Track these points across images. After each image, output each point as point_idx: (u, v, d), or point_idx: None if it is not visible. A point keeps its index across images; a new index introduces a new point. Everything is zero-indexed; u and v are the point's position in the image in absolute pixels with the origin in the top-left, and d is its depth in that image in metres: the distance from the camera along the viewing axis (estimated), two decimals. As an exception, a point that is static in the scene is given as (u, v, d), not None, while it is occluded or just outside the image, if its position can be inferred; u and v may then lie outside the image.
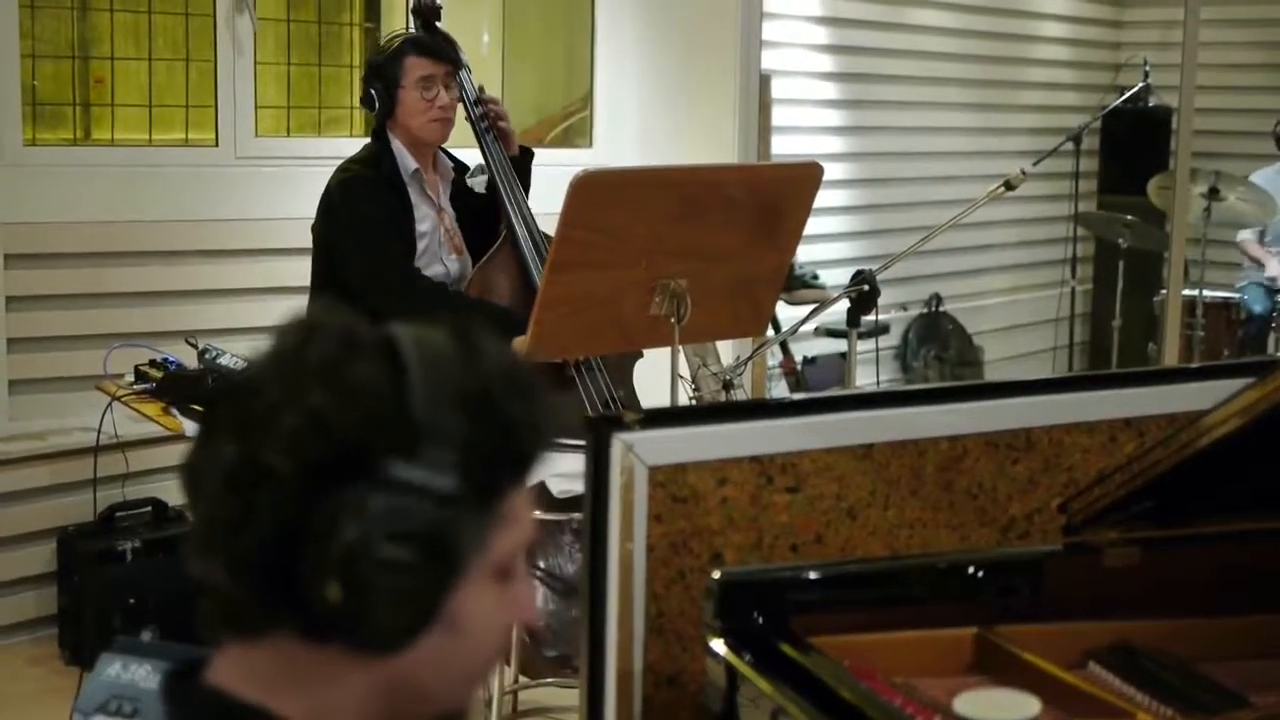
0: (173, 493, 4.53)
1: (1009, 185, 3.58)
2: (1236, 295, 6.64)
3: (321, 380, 1.07)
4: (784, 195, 3.17)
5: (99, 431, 3.95)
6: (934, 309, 7.36)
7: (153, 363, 3.76)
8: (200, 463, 1.11)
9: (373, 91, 3.76)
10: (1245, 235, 7.01)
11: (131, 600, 4.23)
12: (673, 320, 2.95)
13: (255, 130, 4.92)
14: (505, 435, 1.12)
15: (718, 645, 1.83)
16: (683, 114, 5.80)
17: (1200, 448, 1.78)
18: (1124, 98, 7.22)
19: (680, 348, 3.10)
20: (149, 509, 4.45)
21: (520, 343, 3.06)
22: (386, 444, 1.07)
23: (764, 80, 5.85)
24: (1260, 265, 6.93)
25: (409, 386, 1.08)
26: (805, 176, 3.25)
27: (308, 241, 3.87)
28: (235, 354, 3.63)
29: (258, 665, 1.12)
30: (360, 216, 3.68)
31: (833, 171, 6.66)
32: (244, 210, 4.82)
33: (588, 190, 2.97)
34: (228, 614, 1.12)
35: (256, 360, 1.12)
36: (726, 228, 3.08)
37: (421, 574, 1.07)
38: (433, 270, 3.77)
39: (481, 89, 3.95)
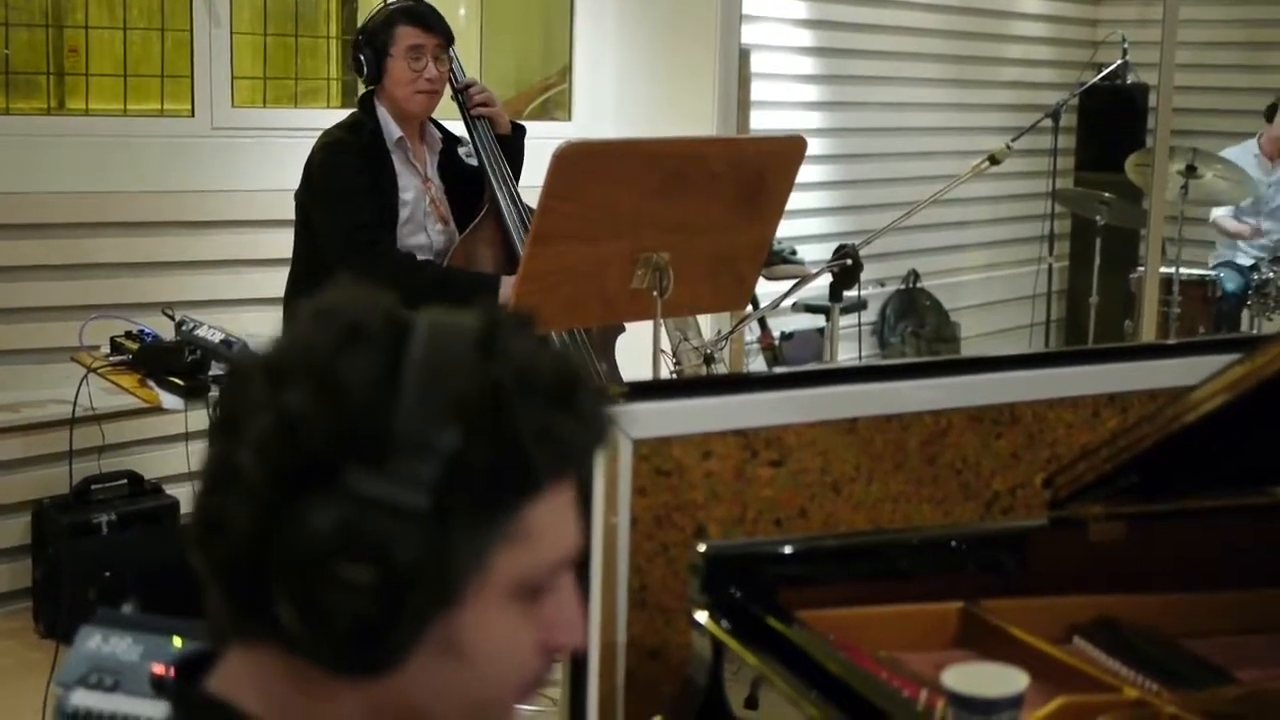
0: (149, 465, 4.51)
1: (993, 159, 3.58)
2: (1212, 273, 6.66)
3: (306, 375, 1.00)
4: (767, 169, 3.16)
5: (74, 404, 3.93)
6: (911, 285, 7.37)
7: (129, 334, 3.73)
8: (205, 454, 1.06)
9: (362, 57, 3.73)
10: (1220, 213, 7.04)
11: (107, 573, 4.21)
12: (655, 293, 2.94)
13: (231, 101, 4.88)
14: (509, 447, 1.01)
15: (703, 618, 1.82)
16: (661, 88, 5.78)
17: (1186, 423, 1.78)
18: (1102, 75, 7.21)
19: (662, 321, 3.09)
20: (125, 482, 4.43)
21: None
22: (355, 452, 0.98)
23: (743, 54, 5.83)
24: (1235, 241, 6.97)
25: (400, 389, 0.99)
26: (789, 150, 3.24)
27: (285, 213, 3.85)
28: (212, 325, 3.60)
29: (257, 675, 1.05)
30: (337, 182, 3.65)
31: (811, 147, 6.65)
32: (220, 181, 4.79)
33: (571, 161, 2.95)
34: (216, 618, 1.06)
35: (272, 342, 1.06)
36: (710, 201, 3.07)
37: (386, 595, 0.98)
38: (416, 240, 3.75)
39: (471, 82, 3.92)
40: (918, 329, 7.28)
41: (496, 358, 1.02)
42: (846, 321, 6.60)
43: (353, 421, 0.98)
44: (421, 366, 1.00)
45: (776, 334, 6.14)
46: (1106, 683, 1.64)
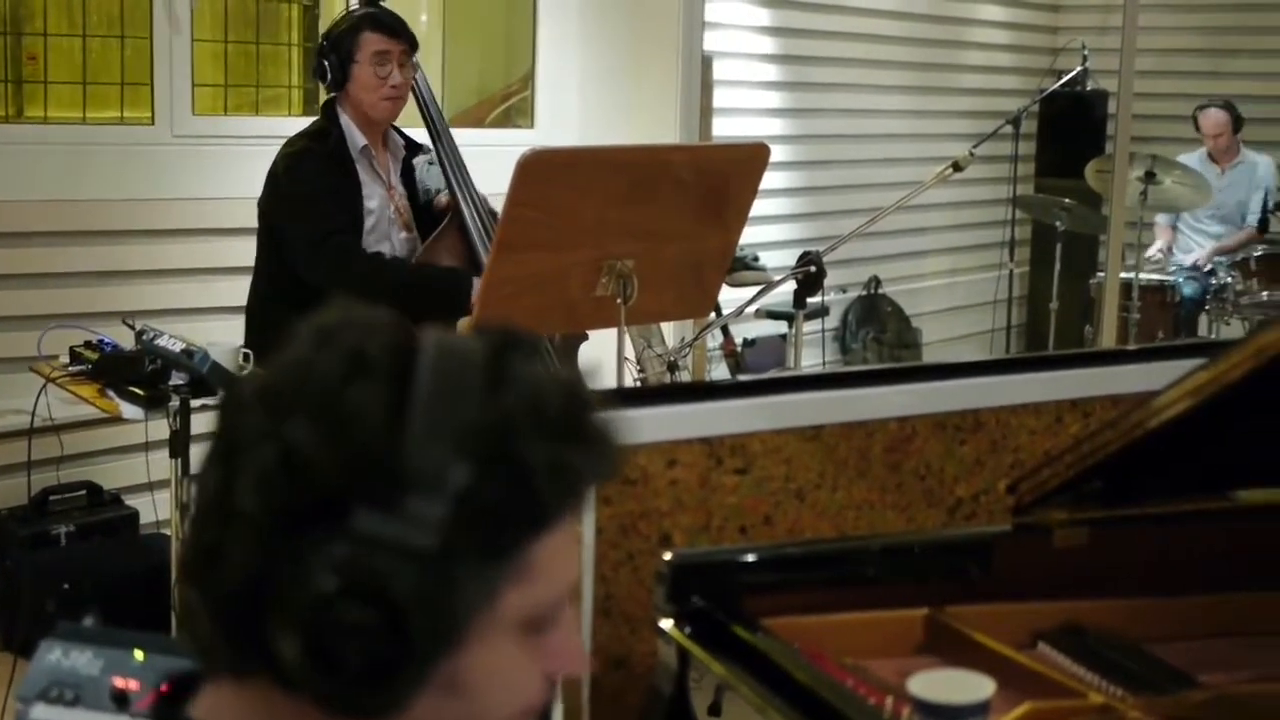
0: (107, 476, 4.47)
1: (957, 166, 3.60)
2: (1171, 278, 6.72)
3: (310, 407, 0.96)
4: (731, 176, 3.17)
5: (33, 414, 3.89)
6: (873, 291, 7.39)
7: (88, 344, 3.70)
8: (198, 481, 1.02)
9: (325, 64, 3.71)
10: (1161, 219, 7.14)
11: (65, 585, 4.16)
12: (619, 301, 2.94)
13: (192, 109, 4.85)
14: (520, 484, 0.97)
15: (668, 627, 1.82)
16: (624, 95, 5.78)
17: (1150, 428, 1.78)
18: (1062, 82, 7.26)
19: (626, 329, 3.09)
20: (83, 492, 4.39)
21: (465, 323, 3.04)
22: (363, 491, 0.94)
23: (706, 62, 5.84)
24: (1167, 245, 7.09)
25: (408, 423, 0.95)
26: (752, 157, 3.25)
27: (246, 221, 3.83)
28: (173, 335, 3.58)
29: (249, 708, 1.02)
30: (304, 190, 3.64)
31: (773, 153, 6.67)
32: (181, 189, 4.76)
33: (535, 169, 2.94)
34: (205, 650, 1.03)
35: (270, 368, 1.02)
36: (674, 208, 3.07)
37: (391, 638, 0.94)
38: (380, 248, 3.74)
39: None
40: (879, 335, 7.30)
41: (506, 387, 0.98)
42: (809, 328, 6.62)
43: (359, 457, 0.95)
44: (429, 397, 0.96)
45: (739, 340, 6.15)
46: (1071, 688, 1.64)
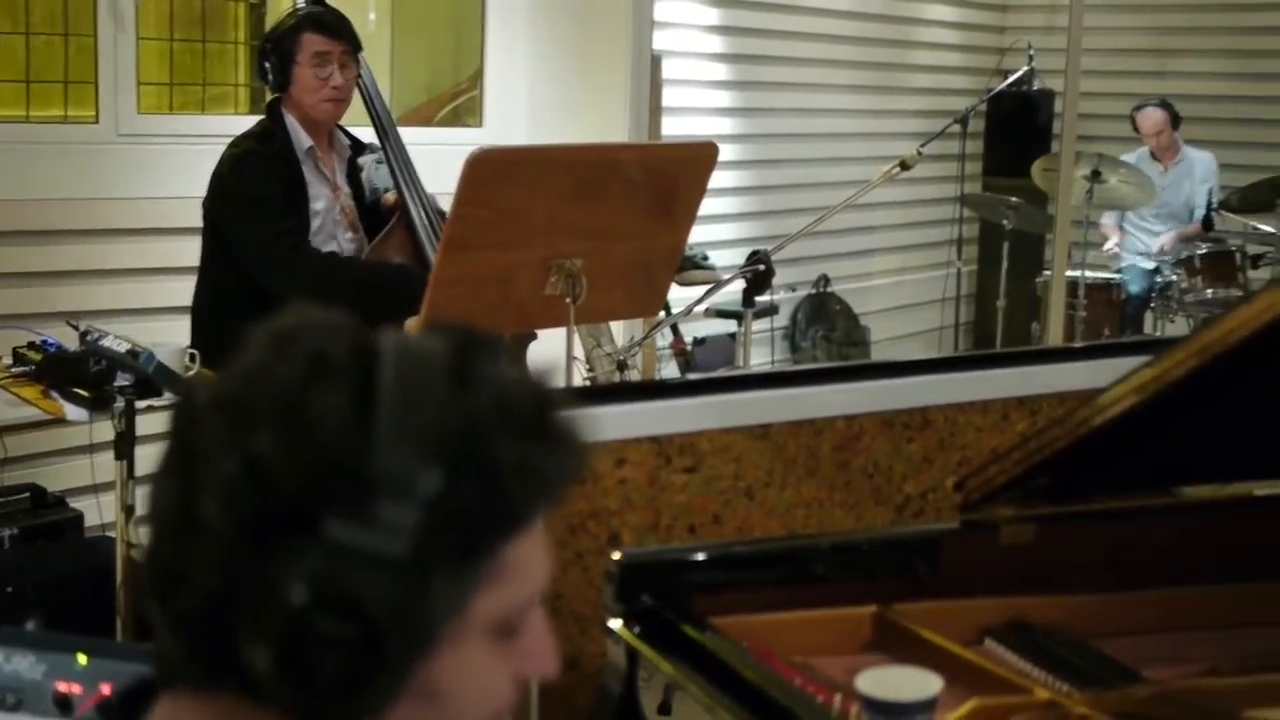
0: (52, 478, 4.42)
1: (904, 165, 3.61)
2: (1117, 276, 6.77)
3: (272, 415, 0.93)
4: (680, 175, 3.16)
5: (-25, 416, 3.84)
6: (822, 290, 7.42)
7: (31, 345, 3.66)
8: (152, 494, 0.99)
9: (267, 65, 3.69)
10: (1106, 217, 7.20)
11: (8, 589, 4.11)
12: (568, 300, 2.93)
13: (137, 107, 4.80)
14: (491, 486, 0.95)
15: (617, 626, 1.82)
16: (573, 94, 5.77)
17: (1095, 425, 1.80)
18: (1009, 82, 7.31)
19: (574, 328, 3.08)
20: (27, 495, 4.33)
21: (413, 323, 3.03)
22: (332, 499, 0.92)
23: (655, 60, 5.84)
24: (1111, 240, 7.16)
25: (374, 427, 0.92)
26: (701, 156, 3.24)
27: (192, 221, 3.79)
28: (118, 335, 3.54)
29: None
30: (251, 192, 3.61)
31: (723, 153, 6.67)
32: (126, 189, 4.71)
33: (484, 168, 2.93)
34: (167, 665, 1.00)
35: (223, 374, 0.98)
36: (623, 207, 3.06)
37: (366, 647, 0.92)
38: (327, 249, 3.71)
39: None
40: (828, 333, 7.33)
41: (472, 387, 0.96)
42: (759, 326, 6.63)
43: (327, 465, 0.92)
44: (395, 401, 0.94)
45: (689, 339, 6.15)
46: (1018, 684, 1.65)
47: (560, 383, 3.12)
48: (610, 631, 1.82)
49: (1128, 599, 1.93)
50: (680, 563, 1.91)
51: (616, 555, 1.86)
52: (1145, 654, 1.81)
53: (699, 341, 6.33)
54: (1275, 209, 6.62)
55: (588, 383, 3.85)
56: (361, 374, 0.94)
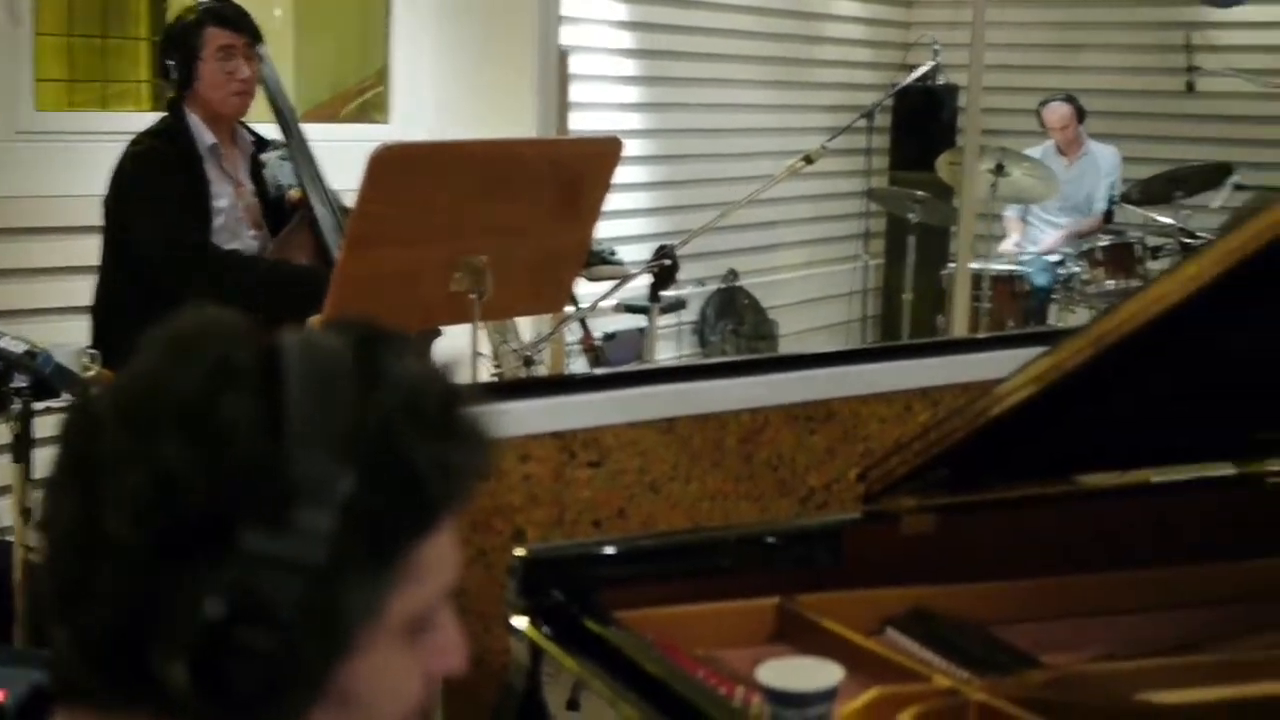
0: (-51, 482, 4.34)
1: (808, 160, 3.63)
2: (1020, 268, 6.86)
3: (178, 425, 0.90)
4: (584, 170, 3.16)
5: None
6: (730, 284, 7.44)
7: (-74, 346, 3.59)
8: (49, 504, 0.95)
9: (170, 63, 3.64)
10: (1009, 210, 7.30)
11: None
12: (473, 296, 2.92)
13: (35, 104, 4.72)
14: (406, 485, 0.94)
15: (521, 623, 1.81)
16: (480, 89, 5.74)
17: (993, 415, 1.82)
18: (914, 76, 7.38)
19: (480, 325, 3.07)
20: (-76, 499, 4.26)
21: (315, 321, 3.00)
22: (247, 508, 0.89)
23: (562, 56, 5.83)
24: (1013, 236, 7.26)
25: (285, 432, 0.90)
26: (605, 151, 3.24)
27: (93, 220, 3.73)
28: (15, 336, 3.48)
29: None
30: (153, 191, 3.57)
31: (632, 148, 6.68)
32: (24, 188, 4.62)
33: (387, 164, 2.91)
34: (69, 680, 0.96)
35: (120, 381, 0.95)
36: (527, 203, 3.05)
37: (284, 658, 0.90)
38: (231, 247, 3.67)
39: None
40: (737, 327, 7.36)
41: (379, 387, 0.94)
42: (668, 321, 6.64)
43: (239, 474, 0.90)
44: (303, 404, 0.91)
45: (599, 335, 6.15)
46: (918, 672, 1.67)
47: (465, 378, 3.11)
48: (513, 628, 1.82)
49: (1026, 586, 1.95)
50: (584, 557, 1.91)
51: (520, 551, 1.86)
52: (1043, 640, 1.84)
53: (609, 337, 6.33)
54: (1173, 201, 6.75)
55: (494, 379, 3.84)
56: (267, 378, 0.92)
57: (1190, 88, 7.66)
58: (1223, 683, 1.66)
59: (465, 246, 2.98)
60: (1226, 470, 2.11)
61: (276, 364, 0.93)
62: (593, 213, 3.24)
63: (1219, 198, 6.83)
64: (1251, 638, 1.82)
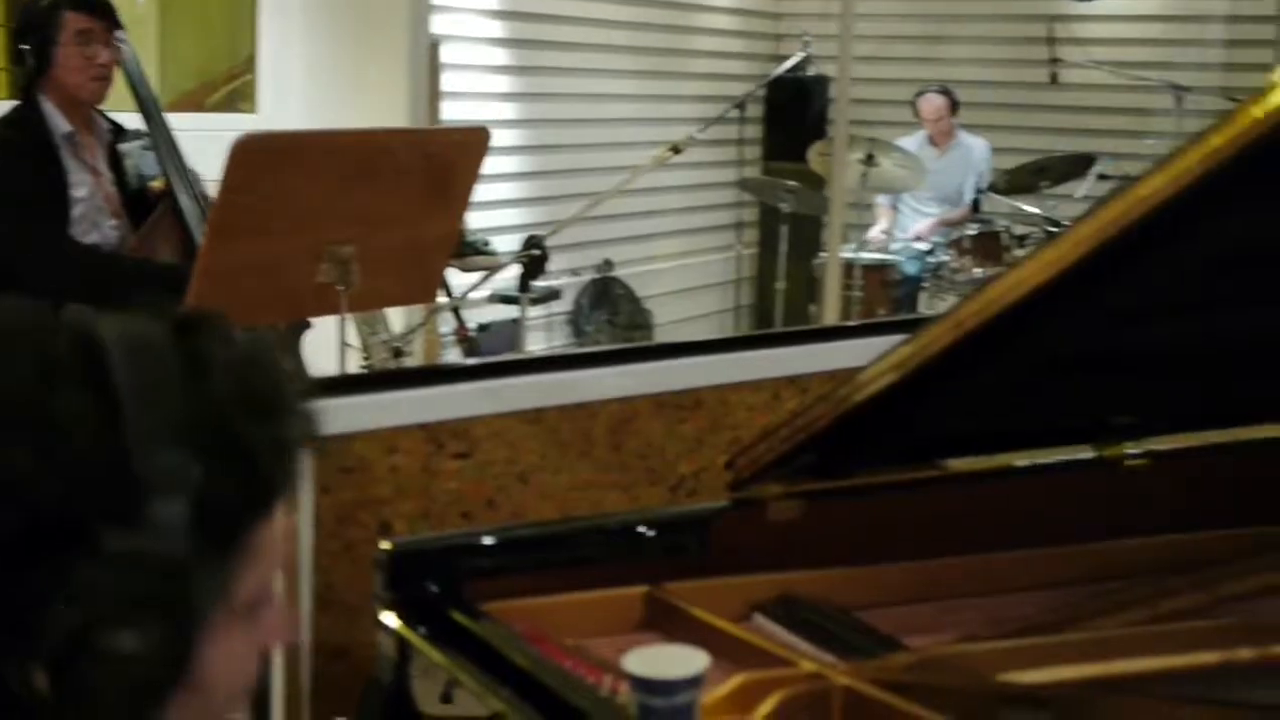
0: None
1: (676, 149, 3.64)
2: (891, 257, 6.94)
3: (16, 426, 0.87)
4: (452, 160, 3.14)
5: None
6: (606, 274, 7.45)
7: None
8: None
9: (24, 48, 3.55)
10: (880, 199, 7.39)
11: None
12: (340, 287, 2.89)
13: (-119, 92, 4.58)
14: (248, 468, 0.93)
15: (388, 617, 1.80)
16: (350, 78, 5.68)
17: (856, 402, 1.83)
18: (785, 67, 7.43)
19: (349, 316, 3.04)
20: None
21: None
22: (102, 507, 0.87)
23: (433, 45, 5.79)
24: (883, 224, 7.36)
25: (125, 426, 0.88)
26: (472, 141, 3.23)
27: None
28: None
29: None
30: (6, 185, 3.48)
31: (504, 138, 6.68)
32: None
33: (250, 154, 2.87)
34: None
35: None
36: (395, 193, 3.03)
37: (149, 655, 0.88)
38: (90, 238, 3.59)
39: None
40: (612, 318, 7.37)
41: (209, 371, 0.93)
42: (543, 312, 6.63)
43: (85, 472, 0.87)
44: (137, 397, 0.89)
45: (474, 326, 6.12)
46: (784, 658, 1.67)
47: (328, 371, 3.08)
48: (380, 622, 1.80)
49: (892, 571, 1.97)
50: (451, 549, 1.89)
51: (386, 544, 1.84)
52: (908, 623, 1.86)
53: (483, 328, 6.30)
54: (1038, 191, 6.89)
55: (363, 371, 3.80)
56: (95, 372, 0.90)
57: (1054, 79, 7.80)
58: (1081, 661, 1.69)
59: (331, 237, 2.95)
60: (1086, 454, 2.14)
61: (100, 356, 0.90)
62: (460, 203, 3.22)
63: (1083, 187, 6.97)
64: (1109, 617, 1.86)
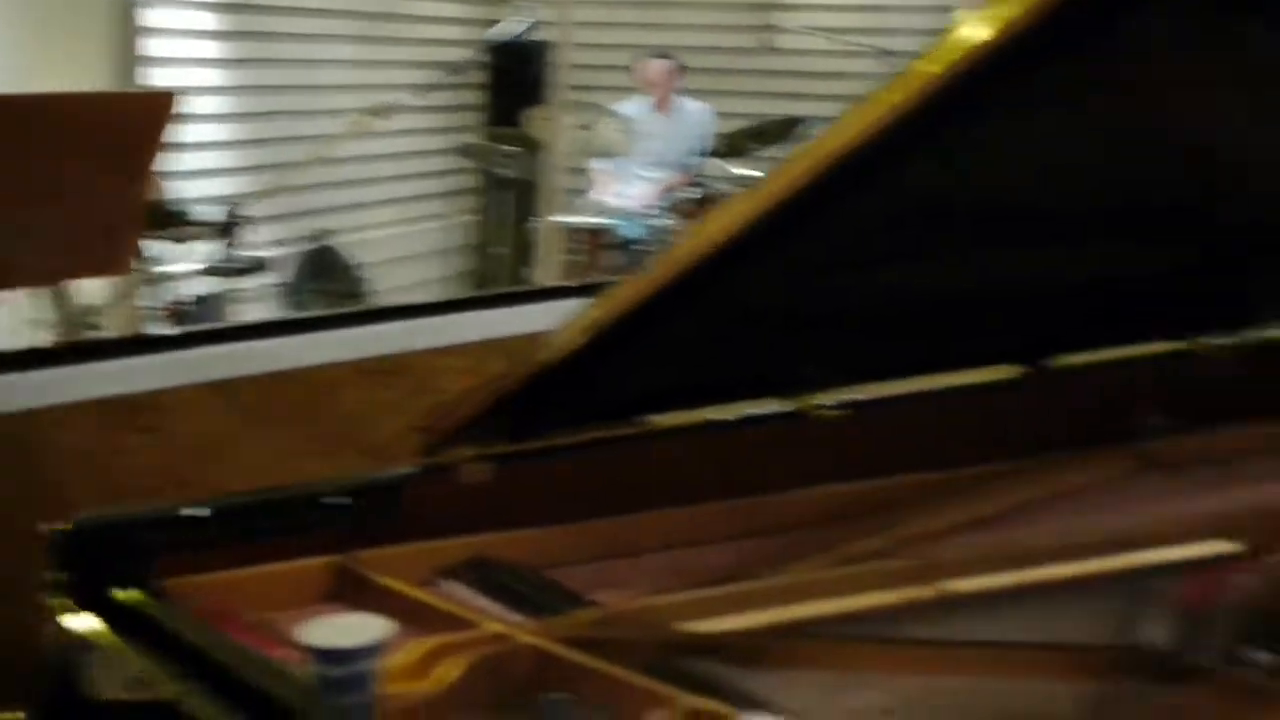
0: None
1: (376, 114, 3.57)
2: (610, 222, 6.98)
3: None
4: (133, 126, 3.00)
5: None
6: (323, 244, 7.30)
7: None
8: None
9: None
10: (598, 164, 7.41)
11: None
12: (12, 260, 2.74)
13: None
14: None
15: (60, 602, 1.72)
16: (43, 43, 5.41)
17: (546, 362, 1.83)
18: (501, 31, 7.38)
19: (32, 291, 2.89)
20: None
21: None
22: None
23: (128, 6, 5.56)
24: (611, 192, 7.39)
25: None
26: (156, 106, 3.09)
27: None
28: None
29: None
30: None
31: (214, 105, 6.48)
32: None
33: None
34: None
35: None
36: (69, 160, 2.88)
37: None
38: None
39: None
40: (327, 287, 7.22)
41: None
42: (257, 283, 6.46)
43: None
44: None
45: (192, 298, 5.92)
46: (472, 620, 1.66)
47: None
48: (51, 608, 1.72)
49: (586, 529, 1.97)
50: (130, 526, 1.82)
51: (59, 525, 1.76)
52: (599, 580, 1.87)
53: (201, 300, 6.10)
54: (749, 153, 7.03)
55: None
56: None
57: (768, 45, 7.93)
58: (763, 608, 1.72)
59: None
60: (777, 406, 2.18)
61: None
62: (143, 170, 3.08)
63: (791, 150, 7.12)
64: (795, 564, 1.90)
